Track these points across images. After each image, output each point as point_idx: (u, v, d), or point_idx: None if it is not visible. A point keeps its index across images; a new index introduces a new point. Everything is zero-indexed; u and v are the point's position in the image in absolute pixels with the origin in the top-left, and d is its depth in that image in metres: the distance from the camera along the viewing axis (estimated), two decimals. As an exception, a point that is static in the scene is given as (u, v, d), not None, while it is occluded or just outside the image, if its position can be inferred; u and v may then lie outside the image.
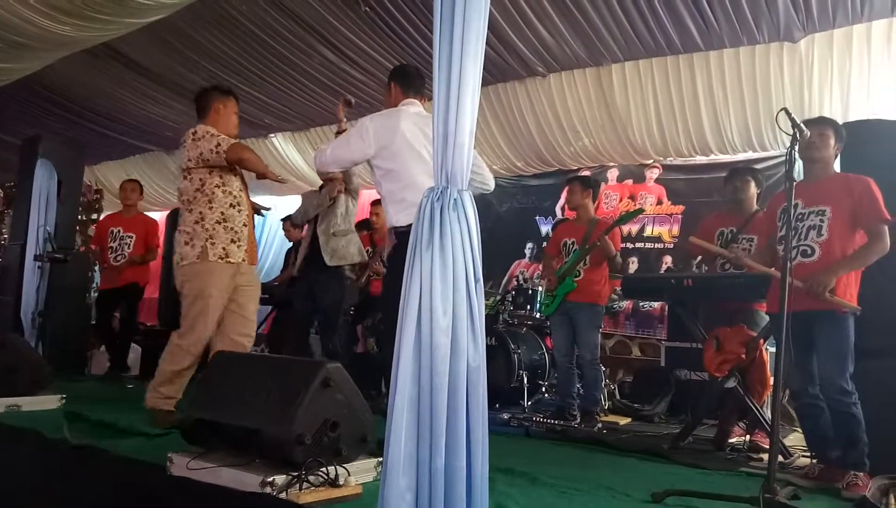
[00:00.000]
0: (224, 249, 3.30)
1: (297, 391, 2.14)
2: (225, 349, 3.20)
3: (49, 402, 3.75)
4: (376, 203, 5.73)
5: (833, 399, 2.83)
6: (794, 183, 2.69)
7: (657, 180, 7.03)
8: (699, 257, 4.40)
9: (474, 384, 1.40)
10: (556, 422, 4.22)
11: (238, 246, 3.34)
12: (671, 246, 6.81)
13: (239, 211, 3.38)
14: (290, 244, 6.73)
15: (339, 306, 4.23)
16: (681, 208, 6.83)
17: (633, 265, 6.86)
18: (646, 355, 6.58)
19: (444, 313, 1.39)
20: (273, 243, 9.56)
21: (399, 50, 6.16)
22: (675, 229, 6.83)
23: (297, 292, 4.58)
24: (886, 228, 2.87)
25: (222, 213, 3.33)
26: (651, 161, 6.96)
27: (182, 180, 3.42)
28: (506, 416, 4.29)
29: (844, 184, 2.99)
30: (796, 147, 2.70)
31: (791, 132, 2.69)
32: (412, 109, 3.17)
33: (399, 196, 3.01)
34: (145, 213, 6.45)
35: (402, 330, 1.39)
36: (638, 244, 6.92)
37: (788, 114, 2.65)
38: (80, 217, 7.60)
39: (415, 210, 2.92)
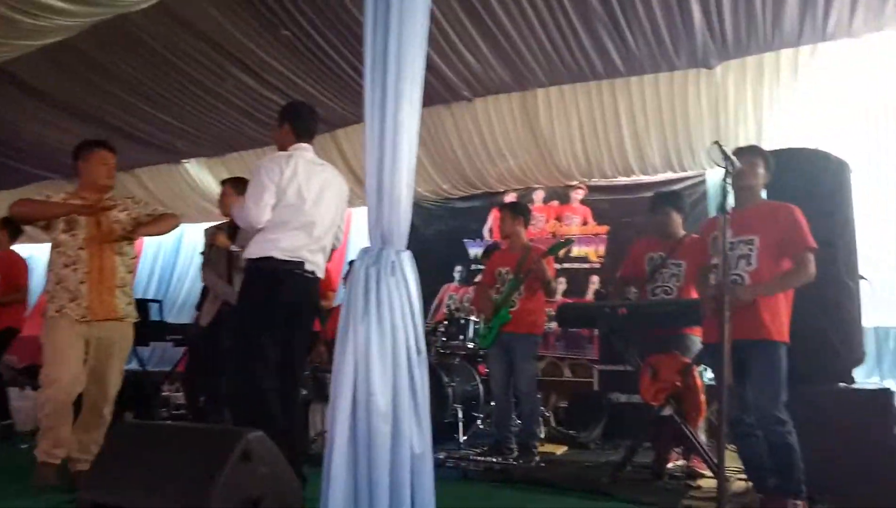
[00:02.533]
0: (59, 307, 3.31)
1: (212, 467, 1.90)
2: (92, 430, 3.32)
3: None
4: None
5: (768, 429, 2.84)
6: (728, 214, 2.70)
7: (582, 201, 7.09)
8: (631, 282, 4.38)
9: (419, 474, 1.23)
10: (495, 460, 4.08)
11: (75, 302, 3.30)
12: (598, 266, 6.87)
13: (74, 270, 3.33)
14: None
15: None
16: (605, 228, 6.91)
17: (562, 285, 6.87)
18: (577, 376, 6.57)
19: (383, 393, 1.21)
20: (186, 277, 9.05)
21: (320, 74, 5.97)
22: (601, 249, 6.90)
23: (206, 339, 4.24)
24: (812, 255, 2.91)
25: (57, 274, 3.34)
26: (576, 182, 7.03)
27: None
28: (441, 456, 4.11)
29: (771, 213, 3.02)
30: (728, 179, 2.72)
31: (723, 165, 2.70)
32: (307, 154, 3.16)
33: (264, 234, 3.01)
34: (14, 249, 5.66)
35: (335, 416, 1.21)
36: (566, 264, 6.93)
37: (720, 147, 2.65)
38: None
39: (269, 247, 2.93)
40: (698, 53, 5.29)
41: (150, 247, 9.39)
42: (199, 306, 6.31)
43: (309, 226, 3.05)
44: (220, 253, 4.12)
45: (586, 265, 6.95)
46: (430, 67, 5.73)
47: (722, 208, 2.71)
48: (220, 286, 4.13)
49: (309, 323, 3.27)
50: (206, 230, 4.39)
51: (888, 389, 3.42)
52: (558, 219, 7.19)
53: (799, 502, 2.81)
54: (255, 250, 3.03)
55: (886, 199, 5.22)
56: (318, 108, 6.39)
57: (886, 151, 5.32)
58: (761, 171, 3.07)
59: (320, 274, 3.16)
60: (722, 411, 2.62)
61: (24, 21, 4.53)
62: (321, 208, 3.09)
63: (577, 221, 7.09)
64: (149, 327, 5.15)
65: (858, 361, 3.54)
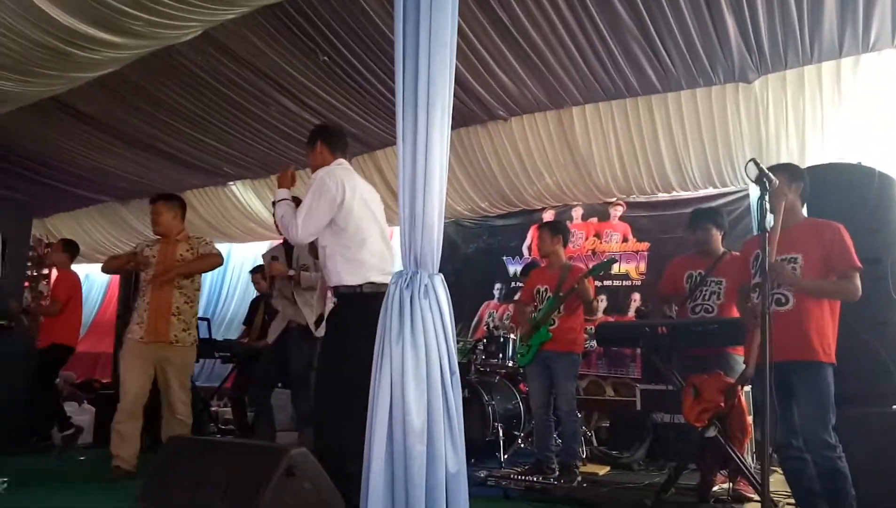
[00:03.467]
0: (130, 328, 4.11)
1: (258, 483, 1.96)
2: (172, 425, 4.01)
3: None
4: None
5: (818, 454, 2.75)
6: (767, 232, 2.66)
7: (622, 218, 7.05)
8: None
9: (454, 493, 1.26)
10: (535, 479, 4.06)
11: (139, 325, 4.03)
12: (639, 283, 6.79)
13: (143, 299, 4.09)
14: (254, 295, 6.46)
15: (309, 369, 4.01)
16: (646, 244, 6.84)
17: (603, 303, 6.81)
18: (620, 394, 6.47)
19: (418, 414, 1.25)
20: (234, 295, 9.29)
21: (359, 97, 6.11)
22: (642, 266, 6.82)
23: (266, 353, 4.37)
24: (857, 275, 2.84)
25: (138, 303, 4.16)
26: (614, 199, 6.99)
27: None
28: (482, 474, 4.11)
29: (815, 231, 2.96)
30: (766, 196, 2.69)
31: (761, 182, 2.67)
32: (350, 168, 3.13)
33: (352, 254, 2.91)
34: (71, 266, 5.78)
35: (372, 437, 1.25)
36: (606, 282, 6.88)
37: (757, 164, 2.63)
38: (31, 273, 7.25)
39: (366, 271, 2.88)
40: (735, 68, 5.23)
41: (199, 267, 9.68)
42: (246, 322, 6.51)
43: (384, 234, 3.04)
44: (283, 281, 4.22)
45: (627, 283, 6.89)
46: (466, 89, 5.84)
47: (761, 226, 2.68)
48: (290, 310, 4.21)
49: None
50: (264, 260, 4.55)
51: (945, 411, 3.29)
52: (597, 236, 7.15)
53: (851, 529, 2.71)
54: (350, 278, 2.87)
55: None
56: (357, 130, 6.60)
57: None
58: (793, 187, 3.01)
59: None
60: (765, 433, 2.57)
61: (78, 54, 4.78)
62: (381, 216, 3.09)
63: (616, 237, 7.04)
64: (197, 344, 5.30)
65: (913, 381, 3.42)
